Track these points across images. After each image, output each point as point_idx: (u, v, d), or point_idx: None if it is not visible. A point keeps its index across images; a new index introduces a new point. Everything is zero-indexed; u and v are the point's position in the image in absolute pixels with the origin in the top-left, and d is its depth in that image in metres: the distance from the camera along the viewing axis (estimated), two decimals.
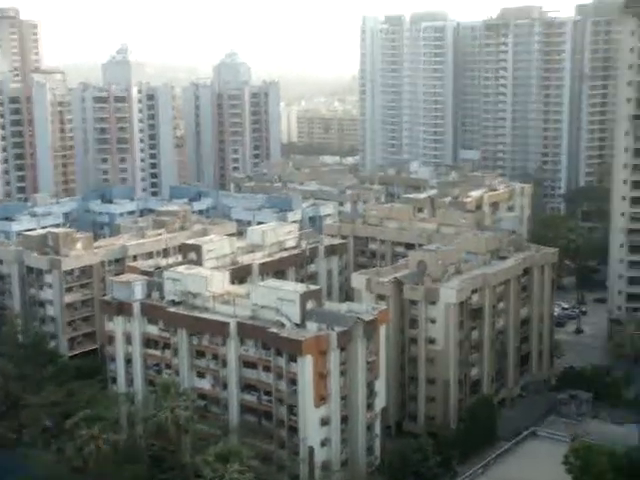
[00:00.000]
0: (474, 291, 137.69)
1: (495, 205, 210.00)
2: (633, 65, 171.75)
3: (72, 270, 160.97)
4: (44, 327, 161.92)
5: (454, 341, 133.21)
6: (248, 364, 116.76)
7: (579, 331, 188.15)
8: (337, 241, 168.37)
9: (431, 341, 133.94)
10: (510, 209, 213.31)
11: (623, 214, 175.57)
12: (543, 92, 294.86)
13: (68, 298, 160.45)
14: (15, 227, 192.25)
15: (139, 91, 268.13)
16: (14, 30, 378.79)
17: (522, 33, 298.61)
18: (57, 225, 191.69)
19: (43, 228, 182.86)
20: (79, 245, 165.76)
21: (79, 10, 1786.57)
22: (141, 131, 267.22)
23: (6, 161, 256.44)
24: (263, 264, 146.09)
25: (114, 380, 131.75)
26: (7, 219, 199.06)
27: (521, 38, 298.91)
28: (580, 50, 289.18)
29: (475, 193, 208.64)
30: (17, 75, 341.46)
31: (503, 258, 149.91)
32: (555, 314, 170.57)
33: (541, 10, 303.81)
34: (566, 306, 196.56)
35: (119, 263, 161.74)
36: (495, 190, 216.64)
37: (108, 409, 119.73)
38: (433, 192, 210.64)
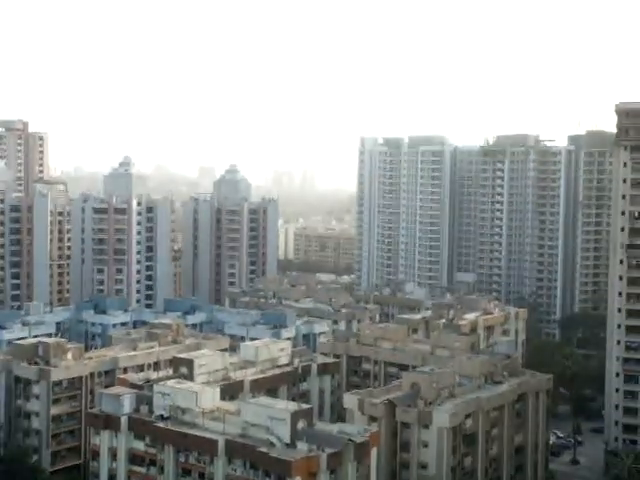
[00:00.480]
0: (467, 416, 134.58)
1: (490, 329, 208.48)
2: (626, 195, 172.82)
3: (61, 381, 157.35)
4: (27, 440, 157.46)
5: (447, 467, 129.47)
6: None
7: (575, 462, 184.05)
8: (330, 360, 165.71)
9: (423, 466, 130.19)
10: (505, 333, 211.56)
11: (619, 342, 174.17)
12: (538, 218, 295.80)
13: (55, 410, 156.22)
14: (6, 335, 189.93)
15: (139, 203, 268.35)
16: (20, 142, 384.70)
17: (518, 160, 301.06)
18: (49, 335, 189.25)
19: (35, 337, 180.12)
20: (69, 356, 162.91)
21: (85, 120, 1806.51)
22: (139, 243, 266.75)
23: (2, 269, 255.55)
24: (255, 381, 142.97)
25: None
26: None
27: (516, 165, 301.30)
28: (574, 178, 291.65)
29: (470, 316, 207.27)
30: (20, 185, 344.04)
31: (497, 383, 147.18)
32: (550, 443, 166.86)
33: (536, 138, 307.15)
34: (561, 435, 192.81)
35: (109, 375, 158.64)
36: (490, 314, 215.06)
37: None
38: (428, 313, 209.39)
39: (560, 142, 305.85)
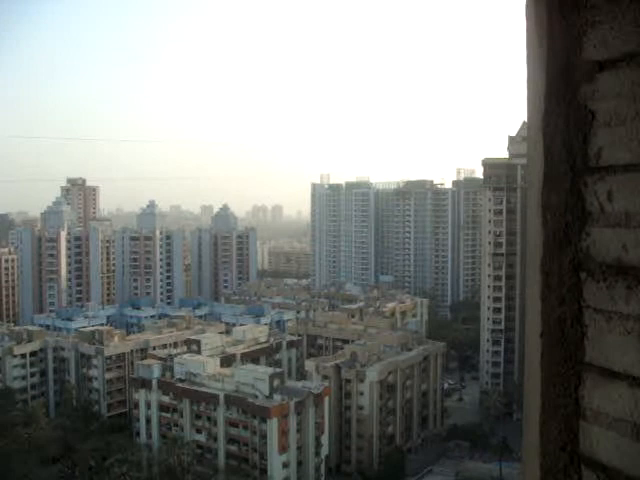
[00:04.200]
0: (390, 372, 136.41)
1: (404, 313, 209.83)
2: (491, 220, 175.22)
3: (111, 356, 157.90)
4: (91, 395, 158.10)
5: (376, 407, 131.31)
6: (232, 424, 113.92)
7: (460, 399, 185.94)
8: (295, 338, 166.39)
9: (360, 407, 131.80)
10: (414, 316, 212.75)
11: (488, 319, 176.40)
12: (434, 237, 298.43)
13: (108, 375, 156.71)
14: (73, 325, 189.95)
15: (160, 233, 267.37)
16: (80, 192, 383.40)
17: (419, 197, 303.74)
18: (102, 324, 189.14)
19: (93, 326, 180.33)
20: (116, 339, 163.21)
21: (122, 174, 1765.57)
22: (161, 260, 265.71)
23: (70, 280, 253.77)
24: (243, 353, 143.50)
25: (138, 434, 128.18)
26: (68, 319, 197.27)
27: (419, 201, 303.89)
28: (457, 209, 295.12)
29: (390, 305, 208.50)
30: (81, 222, 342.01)
31: (409, 349, 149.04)
32: (444, 388, 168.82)
33: (431, 183, 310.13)
34: (452, 382, 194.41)
35: (143, 352, 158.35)
36: (404, 302, 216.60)
37: (133, 454, 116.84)
38: (362, 304, 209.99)
39: (447, 184, 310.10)
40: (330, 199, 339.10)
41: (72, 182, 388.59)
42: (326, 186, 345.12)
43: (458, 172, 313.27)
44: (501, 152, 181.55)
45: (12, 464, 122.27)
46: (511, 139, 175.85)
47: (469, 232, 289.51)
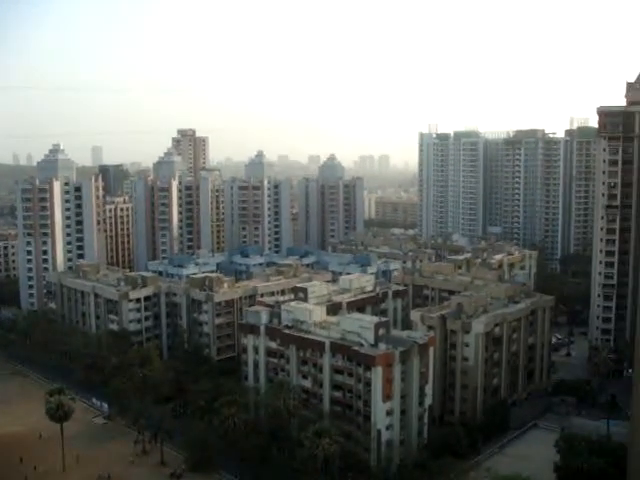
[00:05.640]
0: (496, 325, 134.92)
1: (511, 265, 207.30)
2: (605, 171, 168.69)
3: (220, 302, 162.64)
4: (201, 339, 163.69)
5: (481, 359, 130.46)
6: (337, 371, 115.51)
7: (568, 354, 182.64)
8: (401, 288, 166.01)
9: (465, 359, 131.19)
10: (522, 268, 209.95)
11: (600, 273, 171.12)
12: (545, 188, 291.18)
13: (217, 321, 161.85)
14: (185, 272, 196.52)
15: (268, 182, 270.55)
16: (191, 143, 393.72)
17: (530, 147, 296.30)
18: (212, 271, 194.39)
19: (203, 273, 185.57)
20: (225, 285, 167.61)
21: (230, 125, 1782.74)
22: (269, 209, 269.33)
23: (181, 228, 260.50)
24: (349, 302, 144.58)
25: (246, 377, 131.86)
26: (180, 266, 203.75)
27: (529, 151, 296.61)
28: (570, 160, 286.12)
29: (498, 256, 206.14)
30: (191, 172, 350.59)
31: (516, 302, 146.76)
32: (552, 342, 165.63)
33: (543, 132, 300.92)
34: (560, 337, 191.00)
35: (251, 298, 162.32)
36: (512, 255, 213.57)
37: (241, 397, 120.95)
38: (468, 255, 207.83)
39: (559, 134, 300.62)
40: (438, 149, 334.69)
41: (182, 133, 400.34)
42: (434, 136, 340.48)
43: (571, 121, 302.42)
44: (618, 99, 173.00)
45: (129, 401, 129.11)
46: (629, 86, 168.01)
47: (582, 183, 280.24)
